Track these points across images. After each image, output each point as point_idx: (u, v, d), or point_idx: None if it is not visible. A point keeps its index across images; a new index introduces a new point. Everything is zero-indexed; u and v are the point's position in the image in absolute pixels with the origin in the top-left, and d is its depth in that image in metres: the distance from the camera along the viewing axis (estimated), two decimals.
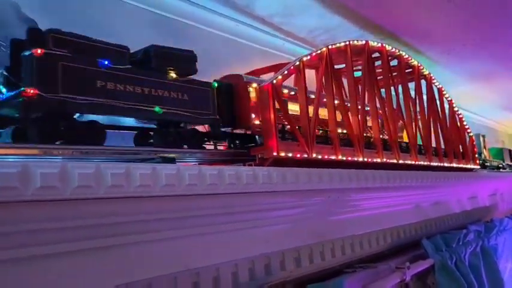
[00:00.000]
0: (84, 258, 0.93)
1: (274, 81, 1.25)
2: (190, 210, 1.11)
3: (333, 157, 1.43)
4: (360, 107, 1.68)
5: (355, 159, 1.55)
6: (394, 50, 2.05)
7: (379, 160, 1.71)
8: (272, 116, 1.20)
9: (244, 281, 1.40)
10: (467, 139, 2.81)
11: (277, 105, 1.23)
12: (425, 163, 2.20)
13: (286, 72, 1.30)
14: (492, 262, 2.69)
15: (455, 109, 2.67)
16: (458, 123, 2.71)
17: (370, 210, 2.00)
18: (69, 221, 0.86)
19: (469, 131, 2.84)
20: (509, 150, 4.43)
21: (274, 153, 1.20)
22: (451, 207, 2.82)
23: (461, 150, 2.60)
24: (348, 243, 1.98)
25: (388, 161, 1.79)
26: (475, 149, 2.85)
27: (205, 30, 1.66)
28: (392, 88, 1.97)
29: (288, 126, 1.29)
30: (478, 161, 2.84)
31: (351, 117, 1.60)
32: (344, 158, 1.49)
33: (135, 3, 1.40)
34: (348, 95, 1.73)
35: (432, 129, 2.34)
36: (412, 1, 1.87)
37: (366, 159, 1.61)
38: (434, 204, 2.60)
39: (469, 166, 2.72)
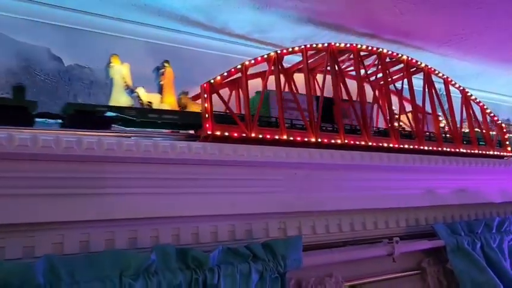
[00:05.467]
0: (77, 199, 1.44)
1: (212, 81, 1.69)
2: (146, 173, 1.57)
3: (277, 137, 1.79)
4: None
5: (306, 139, 1.88)
6: (373, 48, 2.30)
7: (339, 141, 1.99)
8: (207, 105, 1.64)
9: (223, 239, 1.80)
10: (493, 126, 2.81)
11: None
12: (428, 148, 2.35)
13: (226, 73, 1.73)
14: None
15: (473, 97, 2.72)
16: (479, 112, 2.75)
17: (360, 191, 2.20)
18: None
19: (496, 118, 2.84)
20: None
21: (209, 132, 1.64)
22: (485, 197, 2.78)
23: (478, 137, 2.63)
24: (348, 222, 2.23)
25: (354, 142, 2.05)
26: (505, 136, 2.81)
27: (197, 51, 2.19)
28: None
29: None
30: (508, 148, 2.80)
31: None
32: (292, 138, 1.84)
33: (132, 37, 2.00)
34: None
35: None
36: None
37: (319, 140, 1.92)
38: (457, 191, 2.62)
39: (495, 153, 2.71)
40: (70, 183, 1.44)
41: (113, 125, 1.60)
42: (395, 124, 2.25)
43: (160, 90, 1.82)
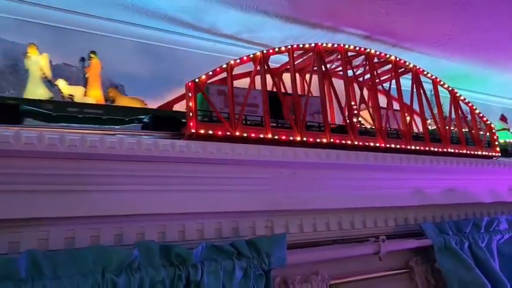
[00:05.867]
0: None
1: (197, 80, 1.71)
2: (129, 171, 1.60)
3: (261, 135, 1.81)
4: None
5: (291, 138, 1.90)
6: (360, 48, 2.33)
7: (325, 140, 2.01)
8: (191, 104, 1.66)
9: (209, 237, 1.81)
10: (483, 126, 2.83)
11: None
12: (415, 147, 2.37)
13: (211, 72, 1.76)
14: None
15: (462, 98, 2.74)
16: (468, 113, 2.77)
17: (347, 190, 2.22)
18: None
19: (485, 118, 2.86)
20: None
21: (193, 130, 1.66)
22: (474, 197, 2.79)
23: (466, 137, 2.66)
24: (336, 221, 2.24)
25: (340, 142, 2.07)
26: (494, 136, 2.83)
27: (188, 51, 2.21)
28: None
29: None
30: (497, 148, 2.82)
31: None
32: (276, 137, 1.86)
33: (120, 36, 2.03)
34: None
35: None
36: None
37: (305, 139, 1.94)
38: (446, 190, 2.64)
39: (484, 153, 2.73)
40: (55, 180, 1.46)
41: (26, 119, 1.54)
42: (354, 120, 2.20)
43: (85, 83, 1.72)
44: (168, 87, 1.93)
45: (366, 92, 2.42)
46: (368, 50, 2.34)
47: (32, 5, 1.83)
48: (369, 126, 2.33)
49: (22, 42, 1.69)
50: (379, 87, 2.45)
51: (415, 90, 2.50)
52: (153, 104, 1.85)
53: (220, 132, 1.71)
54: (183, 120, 1.71)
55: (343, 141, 2.07)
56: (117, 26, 2.03)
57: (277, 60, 2.32)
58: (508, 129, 3.35)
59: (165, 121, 1.74)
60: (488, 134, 2.81)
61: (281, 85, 2.35)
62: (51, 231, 1.49)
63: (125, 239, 1.60)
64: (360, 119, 2.29)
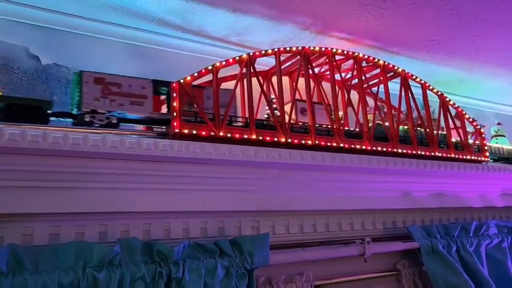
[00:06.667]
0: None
1: (182, 81, 1.75)
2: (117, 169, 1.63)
3: (246, 136, 1.84)
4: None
5: (275, 139, 1.93)
6: (349, 52, 2.35)
7: (310, 142, 2.04)
8: (175, 104, 1.69)
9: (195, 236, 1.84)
10: (473, 131, 2.85)
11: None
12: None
13: (196, 74, 1.79)
14: None
15: (451, 102, 2.77)
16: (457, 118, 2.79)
17: (333, 192, 2.23)
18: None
19: (475, 123, 2.88)
20: None
21: (177, 130, 1.69)
22: (463, 201, 2.81)
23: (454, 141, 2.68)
24: (323, 222, 2.26)
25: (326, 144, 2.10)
26: (484, 141, 2.85)
27: (177, 52, 2.25)
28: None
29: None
30: (487, 153, 2.83)
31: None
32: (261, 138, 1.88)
33: (110, 38, 2.07)
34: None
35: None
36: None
37: (289, 140, 1.97)
38: (435, 194, 2.65)
39: (473, 158, 2.75)
40: (39, 177, 1.49)
41: None
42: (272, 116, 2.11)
43: None
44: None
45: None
46: (356, 53, 2.36)
47: (22, 6, 1.87)
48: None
49: (12, 43, 1.73)
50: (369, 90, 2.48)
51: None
52: None
53: (204, 133, 1.74)
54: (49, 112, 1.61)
55: (329, 143, 2.09)
56: (106, 28, 2.07)
57: (267, 64, 2.36)
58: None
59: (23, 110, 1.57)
60: (478, 139, 2.82)
61: (270, 88, 2.38)
62: (36, 227, 1.52)
63: (110, 236, 1.62)
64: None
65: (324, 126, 2.13)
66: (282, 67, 2.20)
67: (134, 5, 1.99)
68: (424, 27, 2.37)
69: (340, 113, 2.24)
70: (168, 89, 1.75)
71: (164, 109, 1.78)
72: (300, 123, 2.07)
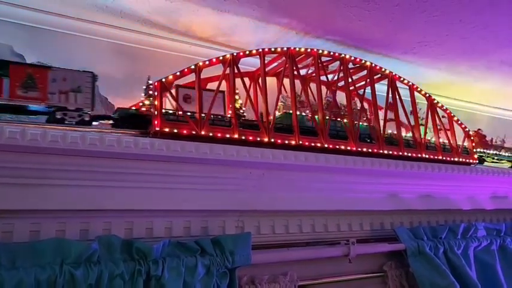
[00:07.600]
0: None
1: (164, 80, 1.76)
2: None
3: (228, 135, 1.84)
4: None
5: (258, 139, 1.93)
6: (335, 53, 2.36)
7: (293, 142, 2.04)
8: (157, 103, 1.70)
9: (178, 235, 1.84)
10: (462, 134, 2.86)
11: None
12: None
13: (178, 73, 1.80)
14: None
15: (439, 105, 2.77)
16: (446, 120, 2.80)
17: (318, 193, 2.22)
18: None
19: (463, 126, 2.88)
20: None
21: (157, 129, 1.70)
22: (452, 203, 2.80)
23: (442, 143, 2.68)
24: (309, 223, 2.26)
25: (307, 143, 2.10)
26: (473, 144, 2.85)
27: (163, 52, 2.26)
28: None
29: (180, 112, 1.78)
30: (475, 156, 2.84)
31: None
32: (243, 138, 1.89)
33: (95, 37, 2.08)
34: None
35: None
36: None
37: (272, 140, 1.98)
38: (422, 196, 2.65)
39: (461, 160, 2.75)
40: (18, 173, 1.50)
41: None
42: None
43: None
44: (142, 88, 1.96)
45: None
46: (343, 55, 2.37)
47: (6, 4, 1.88)
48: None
49: None
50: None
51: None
52: (124, 105, 1.88)
53: (185, 131, 1.75)
54: None
55: (313, 144, 2.09)
56: (91, 27, 2.08)
57: (254, 64, 2.36)
58: None
59: None
60: (466, 141, 2.83)
61: (257, 88, 2.39)
62: (16, 224, 1.52)
63: (91, 234, 1.63)
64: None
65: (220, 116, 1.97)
66: (268, 68, 2.21)
67: (119, 5, 2.00)
68: (409, 29, 2.38)
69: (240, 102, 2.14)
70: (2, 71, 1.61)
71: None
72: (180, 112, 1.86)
